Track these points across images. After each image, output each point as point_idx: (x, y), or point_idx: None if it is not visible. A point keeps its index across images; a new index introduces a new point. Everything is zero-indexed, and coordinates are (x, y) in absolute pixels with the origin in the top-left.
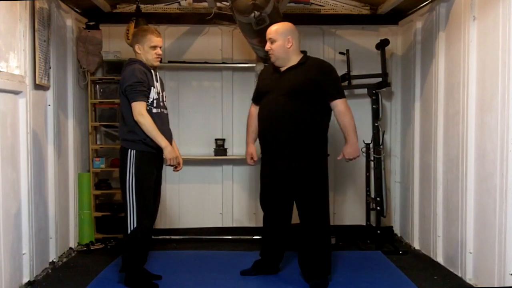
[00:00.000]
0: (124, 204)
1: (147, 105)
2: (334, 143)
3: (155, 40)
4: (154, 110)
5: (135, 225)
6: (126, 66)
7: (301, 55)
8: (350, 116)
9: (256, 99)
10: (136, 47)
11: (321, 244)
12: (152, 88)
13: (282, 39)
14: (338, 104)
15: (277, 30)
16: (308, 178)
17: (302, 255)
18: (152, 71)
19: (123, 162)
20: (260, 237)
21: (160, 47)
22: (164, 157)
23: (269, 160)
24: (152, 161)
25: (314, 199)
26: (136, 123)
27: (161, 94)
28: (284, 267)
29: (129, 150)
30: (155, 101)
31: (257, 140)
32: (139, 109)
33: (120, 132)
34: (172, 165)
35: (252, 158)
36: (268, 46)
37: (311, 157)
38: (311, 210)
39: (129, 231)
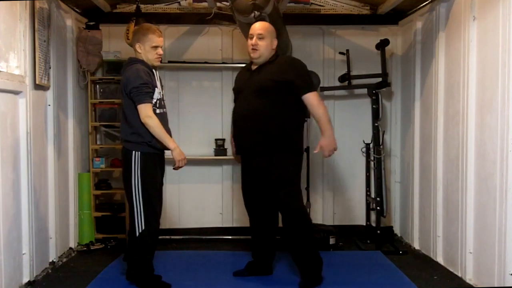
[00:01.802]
0: (131, 207)
1: (152, 106)
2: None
3: (157, 40)
4: (158, 111)
5: (143, 227)
6: (127, 65)
7: (272, 54)
8: (323, 108)
9: (234, 101)
10: (137, 46)
11: (301, 244)
12: (155, 89)
13: (269, 39)
14: (307, 98)
15: (267, 29)
16: (275, 173)
17: (292, 255)
18: (154, 70)
19: (127, 164)
20: None
21: (161, 47)
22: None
23: (244, 161)
24: (156, 162)
25: (282, 195)
26: (141, 125)
27: (162, 93)
28: (279, 267)
29: (134, 151)
30: (158, 102)
31: None
32: (146, 111)
33: (123, 133)
34: (180, 167)
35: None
36: (255, 41)
37: (280, 152)
38: (282, 207)
39: (137, 234)
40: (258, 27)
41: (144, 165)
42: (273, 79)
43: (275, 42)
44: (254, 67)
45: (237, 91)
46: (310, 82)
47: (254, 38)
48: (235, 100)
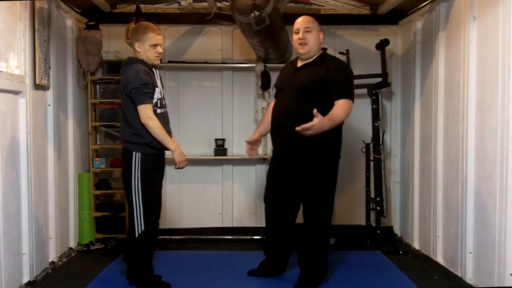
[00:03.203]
0: (130, 207)
1: (152, 107)
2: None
3: (156, 38)
4: (159, 111)
5: (142, 229)
6: (127, 65)
7: (320, 52)
8: (343, 113)
9: (275, 96)
10: (136, 45)
11: (317, 248)
12: (156, 88)
13: (316, 31)
14: (339, 101)
15: (313, 21)
16: (314, 182)
17: (300, 255)
18: (154, 69)
19: (127, 165)
20: (260, 237)
21: (161, 45)
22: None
23: (276, 158)
24: (157, 163)
25: (318, 203)
26: (142, 126)
27: (162, 93)
28: (290, 268)
29: (134, 152)
30: (158, 102)
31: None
32: (146, 112)
33: (123, 133)
34: (180, 168)
35: (251, 148)
36: (302, 35)
37: (319, 159)
38: (313, 214)
39: (137, 234)
40: (304, 20)
41: (145, 166)
42: (315, 81)
43: (322, 36)
44: (299, 64)
45: (278, 88)
46: (347, 88)
47: (301, 32)
48: (276, 96)
